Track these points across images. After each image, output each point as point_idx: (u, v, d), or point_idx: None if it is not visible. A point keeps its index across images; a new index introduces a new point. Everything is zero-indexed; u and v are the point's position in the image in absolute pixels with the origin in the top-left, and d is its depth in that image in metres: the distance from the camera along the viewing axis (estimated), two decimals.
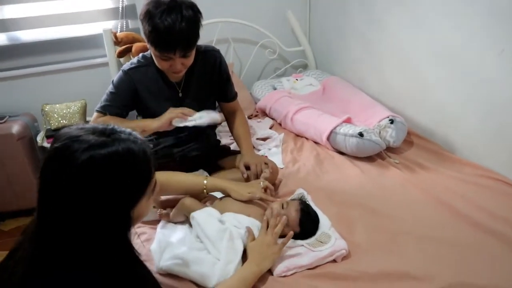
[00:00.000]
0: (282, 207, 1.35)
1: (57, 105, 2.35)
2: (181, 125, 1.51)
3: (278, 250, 1.20)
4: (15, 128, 2.20)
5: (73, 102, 2.37)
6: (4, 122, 2.25)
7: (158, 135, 1.68)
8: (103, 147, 0.73)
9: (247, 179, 1.57)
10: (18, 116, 2.33)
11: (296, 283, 1.17)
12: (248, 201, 1.40)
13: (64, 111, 2.34)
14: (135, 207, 0.79)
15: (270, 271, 1.21)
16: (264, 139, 2.15)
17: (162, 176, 1.34)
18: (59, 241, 0.74)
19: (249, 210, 1.38)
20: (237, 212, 1.36)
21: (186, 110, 1.53)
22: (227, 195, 1.43)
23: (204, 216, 1.32)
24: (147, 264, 1.27)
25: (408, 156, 1.89)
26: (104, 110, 1.55)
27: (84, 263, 0.74)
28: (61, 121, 2.33)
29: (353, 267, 1.20)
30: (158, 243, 1.31)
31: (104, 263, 0.76)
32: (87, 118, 2.35)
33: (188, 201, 1.39)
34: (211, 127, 1.85)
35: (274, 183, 1.71)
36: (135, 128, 1.58)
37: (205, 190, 1.39)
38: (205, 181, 1.39)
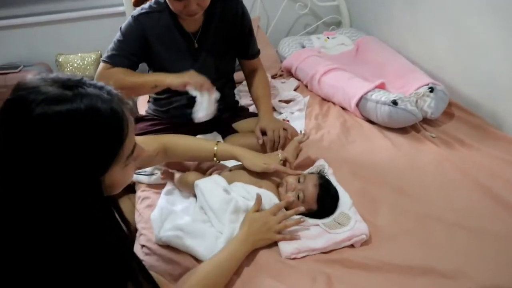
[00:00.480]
0: (299, 181, 1.20)
1: (72, 55, 2.25)
2: (194, 94, 1.36)
3: (275, 237, 1.09)
4: (30, 78, 2.11)
5: (88, 53, 2.26)
6: (19, 71, 2.17)
7: (171, 93, 1.54)
8: (60, 103, 0.61)
9: (263, 146, 1.42)
10: (33, 65, 2.24)
11: (306, 268, 1.04)
12: (261, 173, 1.26)
13: (79, 62, 2.24)
14: (106, 174, 0.67)
15: (277, 251, 1.09)
16: (287, 102, 1.98)
17: (168, 139, 1.22)
18: (19, 207, 0.63)
19: (261, 182, 1.24)
20: (249, 182, 1.23)
21: (207, 83, 1.35)
22: (239, 165, 1.29)
23: (209, 184, 1.20)
24: (146, 232, 1.19)
25: (447, 130, 1.68)
26: (110, 60, 1.41)
27: (49, 234, 0.64)
28: (75, 73, 2.23)
29: (373, 255, 1.06)
30: (160, 210, 1.21)
31: (72, 235, 0.65)
32: None
33: (192, 176, 1.26)
34: (229, 86, 1.69)
35: None
36: (146, 82, 1.47)
37: (215, 158, 1.25)
38: (215, 147, 1.25)
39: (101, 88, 0.67)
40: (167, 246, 1.11)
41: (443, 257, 1.05)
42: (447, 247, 1.09)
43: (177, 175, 1.32)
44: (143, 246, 1.14)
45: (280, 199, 1.20)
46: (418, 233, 1.15)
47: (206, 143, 1.28)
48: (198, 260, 1.06)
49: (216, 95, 1.38)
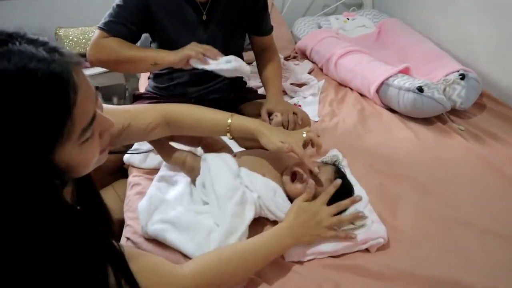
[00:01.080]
0: (311, 172, 1.05)
1: (72, 29, 2.11)
2: (200, 67, 1.20)
3: (326, 233, 0.93)
4: None
5: (89, 27, 2.11)
6: None
7: (172, 69, 1.39)
8: None
9: None
10: None
11: (312, 274, 0.89)
12: (270, 158, 1.12)
13: (80, 37, 2.10)
14: (56, 153, 0.53)
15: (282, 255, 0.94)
16: (300, 85, 1.81)
17: (172, 109, 1.05)
18: None
19: (265, 169, 1.09)
20: (251, 170, 1.08)
21: (210, 50, 1.18)
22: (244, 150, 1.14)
23: (219, 162, 1.05)
24: (133, 223, 1.06)
25: (477, 123, 1.50)
26: (107, 28, 1.25)
27: None
28: (76, 48, 2.09)
29: (391, 263, 0.90)
30: (149, 199, 1.06)
31: (22, 227, 0.53)
32: None
33: (190, 159, 1.12)
34: None
35: None
36: (145, 58, 1.31)
37: (228, 133, 1.06)
38: (229, 120, 1.05)
39: (43, 44, 0.53)
40: (154, 241, 0.97)
41: (474, 269, 0.89)
42: (478, 258, 0.93)
43: (177, 153, 1.17)
44: (128, 239, 1.01)
45: (285, 191, 1.05)
46: (445, 239, 0.99)
47: (220, 115, 1.07)
48: (187, 258, 0.92)
49: (230, 59, 1.19)
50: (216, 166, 1.04)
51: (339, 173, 1.06)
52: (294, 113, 1.28)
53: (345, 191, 1.04)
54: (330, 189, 0.99)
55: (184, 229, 0.95)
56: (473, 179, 1.21)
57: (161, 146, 1.14)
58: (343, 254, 0.94)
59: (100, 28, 1.26)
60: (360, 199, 1.00)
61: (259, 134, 1.04)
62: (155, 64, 1.24)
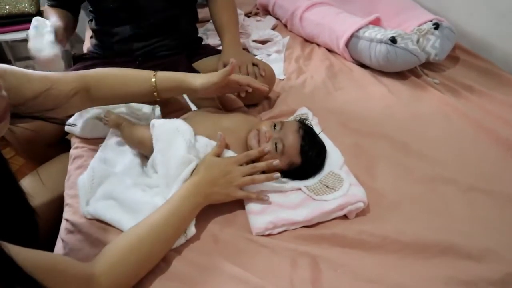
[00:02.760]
0: (274, 128, 0.91)
1: None
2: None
3: (236, 193, 0.84)
4: None
5: None
6: None
7: (112, 23, 1.20)
8: None
9: None
10: None
11: (284, 248, 0.77)
12: (237, 118, 0.98)
13: None
14: None
15: (245, 226, 0.82)
16: (262, 42, 1.65)
17: (94, 74, 0.89)
18: None
19: (225, 134, 0.94)
20: (208, 136, 0.93)
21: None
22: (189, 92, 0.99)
23: (170, 130, 0.89)
24: (73, 202, 0.89)
25: (451, 76, 1.41)
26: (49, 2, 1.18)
27: None
28: (6, 8, 1.82)
29: (372, 230, 0.79)
30: (91, 172, 0.90)
31: None
32: (41, 8, 1.84)
33: (141, 129, 0.96)
34: (189, 19, 1.34)
35: (268, 97, 1.26)
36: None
37: (155, 92, 0.93)
38: (153, 79, 0.92)
39: None
40: (97, 222, 0.82)
41: (463, 231, 0.80)
42: (466, 218, 0.84)
43: (115, 116, 1.00)
44: (67, 221, 0.85)
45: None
46: (428, 199, 0.89)
47: (144, 72, 0.94)
48: None
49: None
50: (167, 135, 0.88)
51: (304, 126, 0.93)
52: (255, 65, 1.13)
53: (319, 145, 0.92)
54: (252, 152, 0.87)
55: (127, 208, 0.80)
56: (452, 134, 1.12)
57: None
58: (318, 223, 0.82)
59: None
60: (277, 163, 0.85)
61: (188, 82, 0.93)
62: None
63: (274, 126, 0.91)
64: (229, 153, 0.89)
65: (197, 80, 0.93)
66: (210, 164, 0.83)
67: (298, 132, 0.89)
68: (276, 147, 0.87)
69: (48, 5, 1.23)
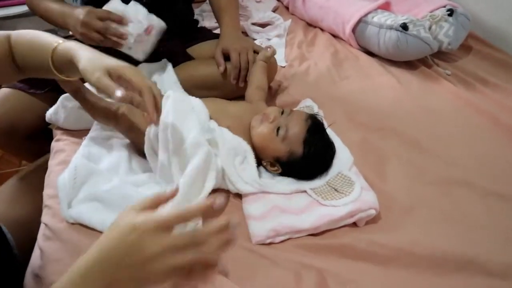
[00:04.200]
0: (282, 114, 0.85)
1: None
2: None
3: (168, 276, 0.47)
4: None
5: None
6: None
7: (97, 4, 1.09)
8: None
9: (225, 74, 1.02)
10: None
11: (287, 259, 0.70)
12: (233, 107, 0.93)
13: None
14: None
15: (245, 234, 0.74)
16: (263, 26, 1.55)
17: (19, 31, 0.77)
18: None
19: (231, 120, 0.86)
20: (213, 119, 0.86)
21: (112, 14, 0.90)
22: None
23: (186, 106, 0.82)
24: (52, 203, 0.80)
25: (464, 67, 1.32)
26: None
27: None
28: None
29: (384, 241, 0.72)
30: (73, 170, 0.81)
31: None
32: None
33: (123, 110, 0.86)
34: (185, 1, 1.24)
35: (269, 87, 1.17)
36: (54, 15, 0.97)
37: (50, 57, 0.70)
38: (56, 44, 0.71)
39: None
40: (80, 227, 0.74)
41: (482, 243, 0.73)
42: (484, 227, 0.77)
43: (106, 103, 0.89)
44: (45, 225, 0.76)
45: (254, 139, 0.84)
46: (442, 205, 0.82)
47: (57, 38, 0.74)
48: None
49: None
50: (181, 109, 0.81)
51: (313, 118, 0.85)
52: (255, 51, 1.03)
53: (327, 142, 0.84)
54: (194, 210, 0.49)
55: (116, 206, 0.72)
56: (466, 131, 1.05)
57: (82, 94, 0.87)
58: (325, 231, 0.75)
59: None
60: (221, 202, 0.53)
61: (78, 60, 0.67)
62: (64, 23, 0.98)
63: (282, 112, 0.84)
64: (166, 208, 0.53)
65: (82, 62, 0.67)
66: (123, 232, 0.46)
67: (305, 121, 0.82)
68: (278, 132, 0.81)
69: None
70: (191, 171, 0.73)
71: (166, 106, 0.81)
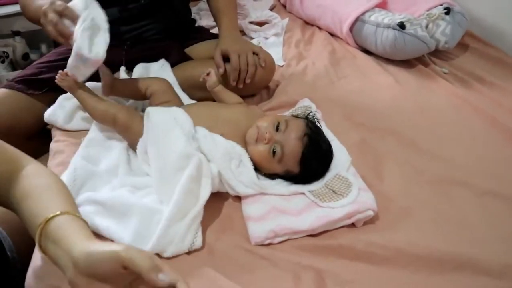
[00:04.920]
0: (277, 129, 0.82)
1: None
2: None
3: None
4: None
5: None
6: None
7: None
8: None
9: (224, 77, 1.02)
10: None
11: (285, 260, 0.70)
12: (235, 110, 0.91)
13: None
14: None
15: (243, 235, 0.74)
16: (260, 24, 1.55)
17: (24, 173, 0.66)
18: None
19: (225, 126, 0.86)
20: (207, 128, 0.85)
21: (67, 10, 0.85)
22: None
23: (167, 119, 0.81)
24: None
25: (461, 65, 1.33)
26: None
27: None
28: None
29: (382, 241, 0.73)
30: (73, 172, 0.81)
31: None
32: None
33: (123, 115, 0.87)
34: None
35: (268, 87, 1.17)
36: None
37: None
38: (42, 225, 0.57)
39: None
40: None
41: (480, 242, 0.74)
42: (482, 226, 0.78)
43: (105, 105, 0.90)
44: None
45: (249, 154, 0.84)
46: (439, 205, 0.83)
47: (45, 204, 0.59)
48: None
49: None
50: (163, 124, 0.80)
51: (312, 128, 0.84)
52: (255, 53, 1.04)
53: (324, 153, 0.84)
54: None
55: (117, 213, 0.72)
56: (463, 130, 1.06)
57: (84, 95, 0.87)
58: (323, 232, 0.75)
59: None
60: None
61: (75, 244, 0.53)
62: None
63: (278, 125, 0.82)
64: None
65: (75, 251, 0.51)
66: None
67: (301, 140, 0.80)
68: (274, 153, 0.80)
69: None
70: (185, 180, 0.73)
71: (149, 122, 0.80)
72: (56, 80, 0.88)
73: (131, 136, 0.86)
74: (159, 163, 0.78)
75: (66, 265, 0.51)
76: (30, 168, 0.64)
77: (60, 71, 0.88)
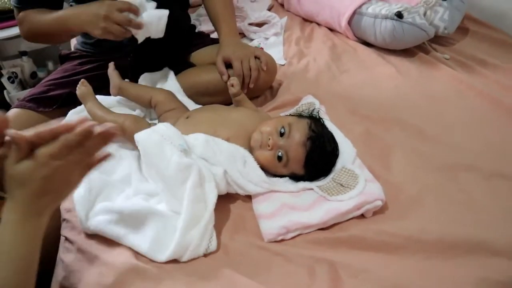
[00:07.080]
0: (281, 134, 0.83)
1: None
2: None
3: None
4: None
5: None
6: None
7: None
8: None
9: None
10: None
11: (299, 255, 0.72)
12: (238, 113, 0.93)
13: None
14: None
15: (255, 232, 0.76)
16: (259, 25, 1.56)
17: None
18: None
19: (230, 130, 0.88)
20: (214, 129, 0.87)
21: (132, 5, 0.90)
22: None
23: (155, 140, 0.81)
24: (70, 217, 0.84)
25: (462, 50, 1.34)
26: (19, 3, 1.03)
27: None
28: None
29: (393, 229, 0.74)
30: (88, 183, 0.83)
31: None
32: None
33: (129, 122, 0.89)
34: (181, 6, 1.26)
35: (271, 87, 1.19)
36: (54, 22, 0.97)
37: None
38: None
39: None
40: (98, 237, 0.76)
41: (490, 224, 0.75)
42: (491, 209, 0.79)
43: (112, 116, 0.94)
44: (65, 238, 0.79)
45: (256, 158, 0.85)
46: (448, 190, 0.84)
47: None
48: (141, 256, 0.72)
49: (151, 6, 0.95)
50: (153, 146, 0.81)
51: (314, 130, 0.83)
52: (257, 57, 1.05)
53: (329, 154, 0.85)
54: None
55: (133, 222, 0.74)
56: (468, 115, 1.06)
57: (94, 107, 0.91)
58: (334, 225, 0.77)
59: (15, 6, 1.04)
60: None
61: None
62: (66, 29, 0.99)
63: (282, 129, 0.83)
64: None
65: None
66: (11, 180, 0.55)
67: (305, 146, 0.81)
68: (279, 158, 0.82)
69: (27, 8, 1.04)
70: (190, 190, 0.75)
71: (141, 148, 0.82)
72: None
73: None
74: (163, 182, 0.79)
75: None
76: None
77: (82, 79, 1.00)
